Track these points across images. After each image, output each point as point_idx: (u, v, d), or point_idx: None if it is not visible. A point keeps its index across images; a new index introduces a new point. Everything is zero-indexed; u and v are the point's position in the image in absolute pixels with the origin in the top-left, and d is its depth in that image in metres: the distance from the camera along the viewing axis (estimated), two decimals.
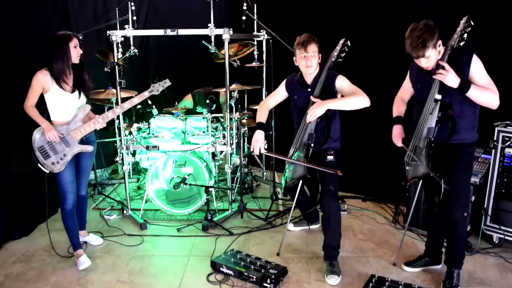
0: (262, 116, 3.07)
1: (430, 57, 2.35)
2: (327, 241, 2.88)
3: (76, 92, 2.84)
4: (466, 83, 2.34)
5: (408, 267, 2.92)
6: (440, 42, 2.36)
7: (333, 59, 2.82)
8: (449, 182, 2.47)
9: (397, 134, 2.79)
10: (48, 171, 2.83)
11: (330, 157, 2.86)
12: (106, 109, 4.36)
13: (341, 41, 2.84)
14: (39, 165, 2.81)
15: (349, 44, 2.79)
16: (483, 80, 2.37)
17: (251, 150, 2.97)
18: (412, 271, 2.89)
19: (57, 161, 2.80)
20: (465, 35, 2.34)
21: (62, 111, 2.82)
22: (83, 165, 3.03)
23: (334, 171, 2.70)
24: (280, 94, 3.07)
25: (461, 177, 2.52)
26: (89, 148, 2.91)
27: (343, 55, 2.82)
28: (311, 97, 2.78)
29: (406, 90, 2.82)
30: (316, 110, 2.68)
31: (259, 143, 2.94)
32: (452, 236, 2.64)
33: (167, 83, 3.07)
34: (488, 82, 2.38)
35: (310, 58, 2.77)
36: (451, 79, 2.32)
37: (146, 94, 3.04)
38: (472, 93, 2.33)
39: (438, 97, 2.43)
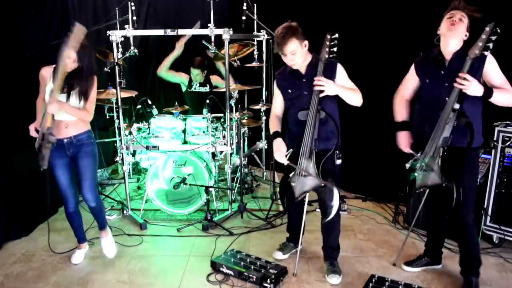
0: (274, 126, 2.83)
1: (463, 19, 2.33)
2: (328, 243, 2.85)
3: (66, 94, 2.71)
4: (489, 90, 2.29)
5: (408, 266, 2.92)
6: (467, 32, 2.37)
7: (326, 56, 2.52)
8: (457, 187, 2.44)
9: (404, 141, 2.70)
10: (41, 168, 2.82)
11: (339, 161, 2.69)
12: (105, 109, 4.37)
13: (328, 36, 2.52)
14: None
15: (337, 36, 2.50)
16: (498, 79, 2.35)
17: (275, 159, 2.77)
18: (412, 271, 2.89)
19: (40, 156, 2.78)
20: (491, 44, 2.23)
21: None
22: (80, 165, 2.85)
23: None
24: (278, 96, 2.84)
25: (470, 182, 2.50)
26: (51, 138, 2.65)
27: (335, 49, 2.51)
28: (316, 78, 2.53)
29: (408, 87, 2.73)
30: (328, 87, 2.49)
31: (278, 152, 2.73)
32: (467, 242, 2.60)
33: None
34: (503, 81, 2.36)
35: (292, 56, 2.57)
36: (475, 89, 2.27)
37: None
38: (495, 98, 2.31)
39: (457, 106, 2.36)
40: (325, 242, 2.88)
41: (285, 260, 3.04)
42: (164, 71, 4.79)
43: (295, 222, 3.09)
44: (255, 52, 4.09)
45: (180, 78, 4.83)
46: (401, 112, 2.75)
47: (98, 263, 3.05)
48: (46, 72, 2.78)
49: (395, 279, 2.69)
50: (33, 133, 2.76)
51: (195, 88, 4.76)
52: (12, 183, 3.32)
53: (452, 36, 2.35)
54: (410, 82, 2.71)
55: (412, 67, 2.68)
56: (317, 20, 4.29)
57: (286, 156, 2.71)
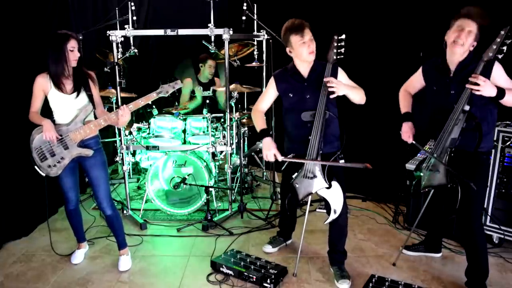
0: (260, 122, 2.78)
1: (471, 33, 2.30)
2: (337, 247, 2.82)
3: (75, 93, 2.68)
4: (501, 90, 2.27)
5: (407, 250, 3.05)
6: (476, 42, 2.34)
7: (334, 57, 2.55)
8: (466, 192, 2.44)
9: (407, 131, 2.69)
10: (44, 174, 2.71)
11: (342, 161, 2.68)
12: (105, 109, 4.36)
13: (335, 37, 2.54)
14: (35, 167, 2.70)
15: (344, 37, 2.52)
16: (505, 84, 2.33)
17: (265, 159, 2.69)
18: (412, 255, 3.03)
19: (53, 164, 2.68)
20: (505, 48, 2.22)
21: (62, 113, 2.70)
22: (93, 176, 2.79)
23: (363, 165, 2.47)
24: (271, 95, 2.79)
25: (479, 187, 2.48)
26: (87, 152, 2.71)
27: (342, 50, 2.55)
28: (326, 79, 2.51)
29: (413, 85, 2.75)
30: (340, 88, 2.48)
31: (271, 150, 2.64)
32: (472, 248, 2.57)
33: (178, 84, 2.78)
34: (510, 84, 2.34)
35: (310, 43, 2.55)
36: (489, 90, 2.25)
37: (153, 95, 2.75)
38: (506, 98, 2.29)
39: (467, 108, 2.36)
40: (334, 247, 2.83)
41: (285, 260, 3.04)
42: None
43: (288, 217, 3.14)
44: (255, 52, 4.09)
45: (187, 87, 4.76)
46: (405, 104, 2.78)
47: (98, 263, 3.05)
48: (43, 79, 2.66)
49: (395, 279, 2.69)
50: (55, 140, 2.62)
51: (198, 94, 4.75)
52: (12, 183, 3.32)
53: (459, 50, 2.36)
54: (416, 83, 2.73)
55: (420, 70, 2.69)
56: (317, 20, 4.29)
57: (286, 158, 2.66)
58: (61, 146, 2.69)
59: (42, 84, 2.66)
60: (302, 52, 2.58)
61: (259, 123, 2.78)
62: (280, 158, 2.65)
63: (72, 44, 2.61)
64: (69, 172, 2.80)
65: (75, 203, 2.95)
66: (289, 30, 2.57)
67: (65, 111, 2.71)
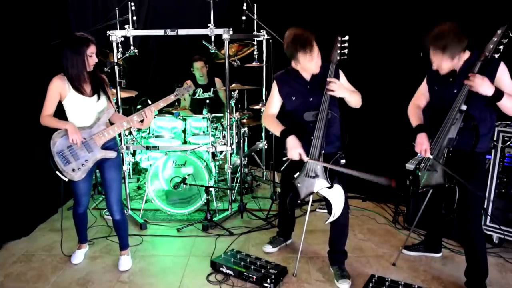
0: (276, 125, 2.71)
1: (448, 58, 2.30)
2: (338, 247, 2.82)
3: (95, 96, 2.66)
4: (499, 91, 2.24)
5: (406, 250, 3.05)
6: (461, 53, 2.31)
7: (338, 58, 2.56)
8: (464, 193, 2.44)
9: (422, 142, 2.54)
10: (67, 179, 2.63)
11: (343, 161, 2.68)
12: None
13: (339, 38, 2.54)
14: (57, 172, 2.60)
15: (347, 38, 2.51)
16: (508, 88, 2.30)
17: (290, 158, 2.61)
18: (410, 254, 3.04)
19: (78, 167, 2.62)
20: (502, 47, 2.20)
21: (81, 116, 2.65)
22: (108, 178, 2.76)
23: (387, 182, 2.51)
24: (277, 98, 2.77)
25: (476, 188, 2.47)
26: (111, 154, 2.68)
27: (346, 51, 2.54)
28: (330, 79, 2.53)
29: (422, 95, 2.70)
30: (340, 90, 2.51)
31: (298, 149, 2.56)
32: (470, 247, 2.57)
33: (192, 87, 3.01)
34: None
35: (317, 58, 2.57)
36: (486, 88, 2.22)
37: (172, 97, 2.81)
38: (504, 102, 2.25)
39: (464, 107, 2.34)
40: (335, 246, 2.83)
41: (285, 260, 3.04)
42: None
43: (287, 217, 3.15)
44: (255, 52, 4.09)
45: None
46: (416, 117, 2.69)
47: (98, 263, 3.05)
48: (61, 81, 2.58)
49: (395, 279, 2.69)
50: (80, 143, 2.58)
51: (199, 96, 4.74)
52: (12, 183, 3.32)
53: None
54: (423, 90, 2.70)
55: (425, 78, 2.68)
56: (317, 20, 4.29)
57: (310, 159, 2.62)
58: (85, 149, 2.64)
59: (60, 86, 2.58)
60: (311, 66, 2.59)
61: (276, 126, 2.72)
62: (306, 158, 2.59)
63: (92, 50, 2.58)
64: (87, 176, 2.74)
65: (86, 207, 2.95)
66: (297, 47, 2.51)
67: (85, 114, 2.67)
